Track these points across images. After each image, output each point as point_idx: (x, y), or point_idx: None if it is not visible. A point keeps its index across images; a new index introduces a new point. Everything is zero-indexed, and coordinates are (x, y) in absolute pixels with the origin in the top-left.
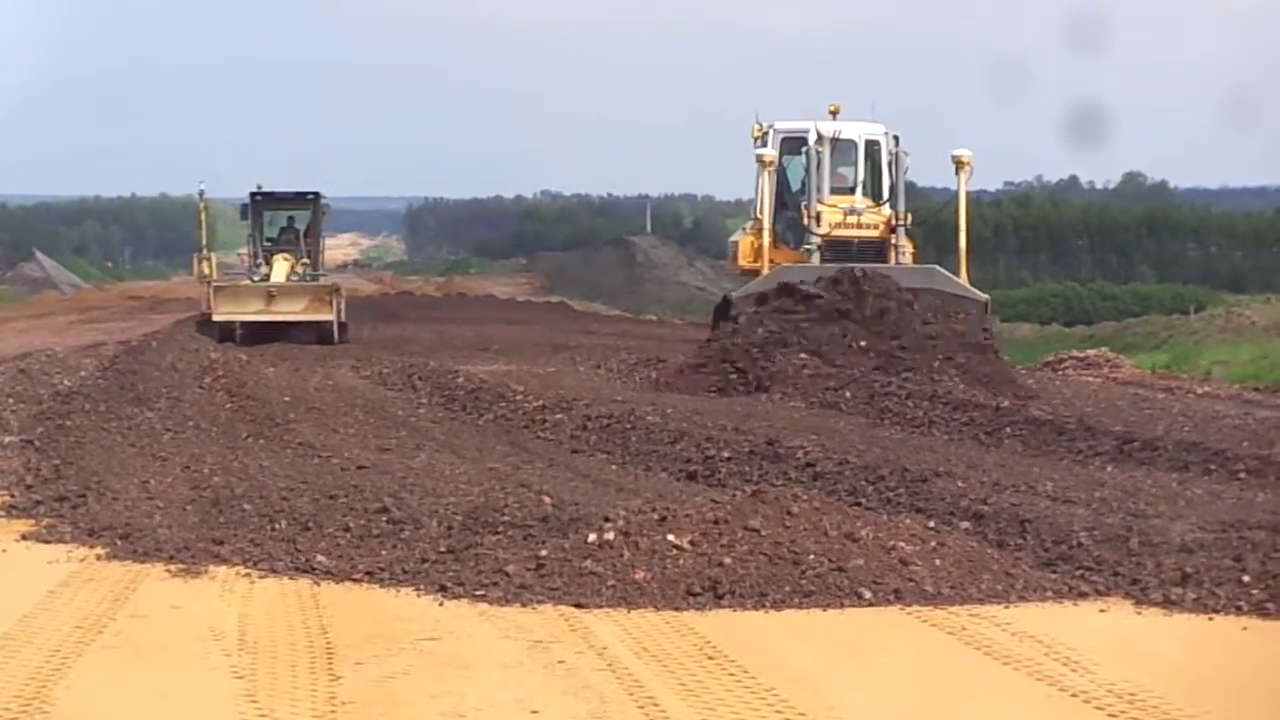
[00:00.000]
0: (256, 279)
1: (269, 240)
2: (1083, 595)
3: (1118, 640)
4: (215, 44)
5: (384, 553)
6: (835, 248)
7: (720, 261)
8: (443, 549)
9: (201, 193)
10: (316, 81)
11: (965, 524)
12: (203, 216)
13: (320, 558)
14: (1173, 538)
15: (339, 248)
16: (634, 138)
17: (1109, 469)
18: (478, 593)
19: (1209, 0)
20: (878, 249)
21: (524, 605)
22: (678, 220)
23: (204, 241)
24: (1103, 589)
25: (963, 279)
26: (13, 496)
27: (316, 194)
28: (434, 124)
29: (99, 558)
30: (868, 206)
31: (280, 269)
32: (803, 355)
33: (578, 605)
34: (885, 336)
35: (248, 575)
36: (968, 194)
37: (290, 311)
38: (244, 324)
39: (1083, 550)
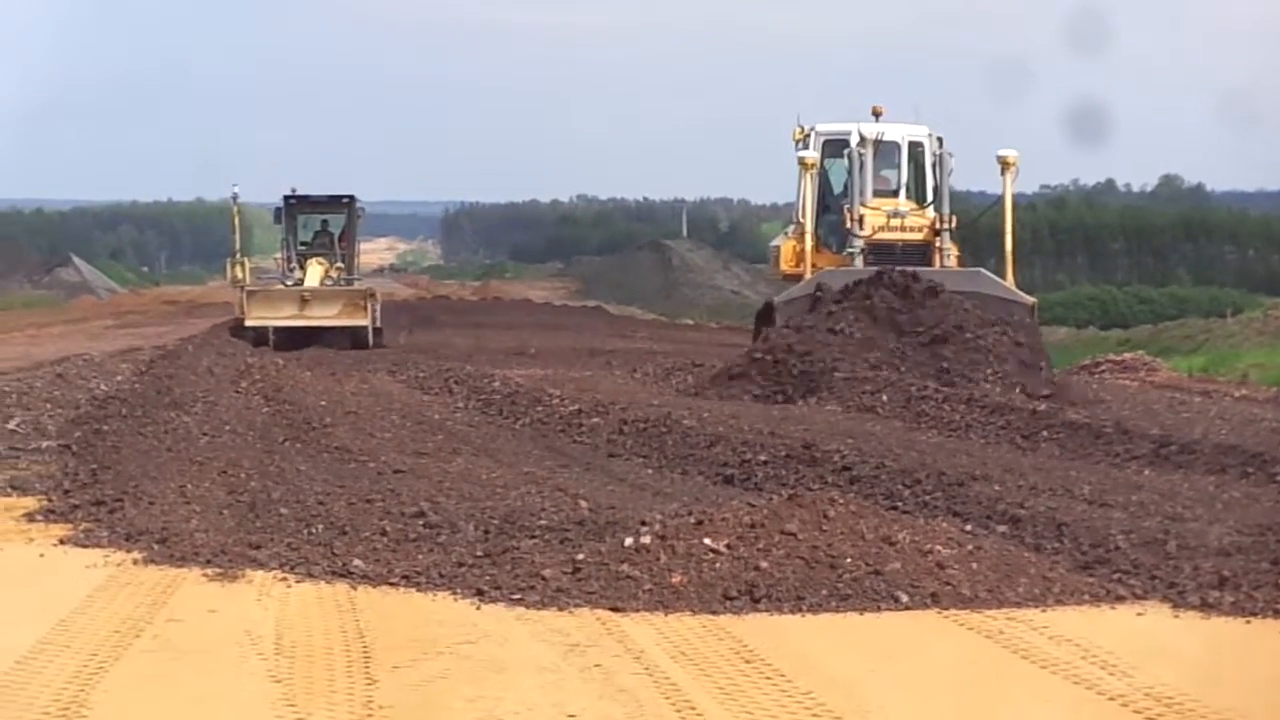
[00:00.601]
0: (290, 283)
1: (303, 244)
2: (1120, 598)
3: (1155, 643)
4: (252, 49)
5: (420, 556)
6: (878, 251)
7: (756, 266)
8: (479, 553)
9: (235, 196)
10: (353, 87)
11: (1002, 527)
12: (236, 220)
13: (357, 561)
14: (1210, 541)
15: (375, 252)
16: (670, 141)
17: (1146, 472)
18: (514, 596)
19: (1247, 3)
20: (922, 252)
21: (560, 609)
22: (713, 224)
23: (237, 246)
24: (1140, 592)
25: (1009, 282)
26: (50, 501)
27: (351, 197)
28: (470, 129)
29: (136, 562)
30: (911, 209)
31: (314, 273)
32: (849, 362)
33: (614, 609)
34: (934, 342)
35: (285, 579)
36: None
37: (324, 316)
38: (277, 329)
39: (1120, 553)
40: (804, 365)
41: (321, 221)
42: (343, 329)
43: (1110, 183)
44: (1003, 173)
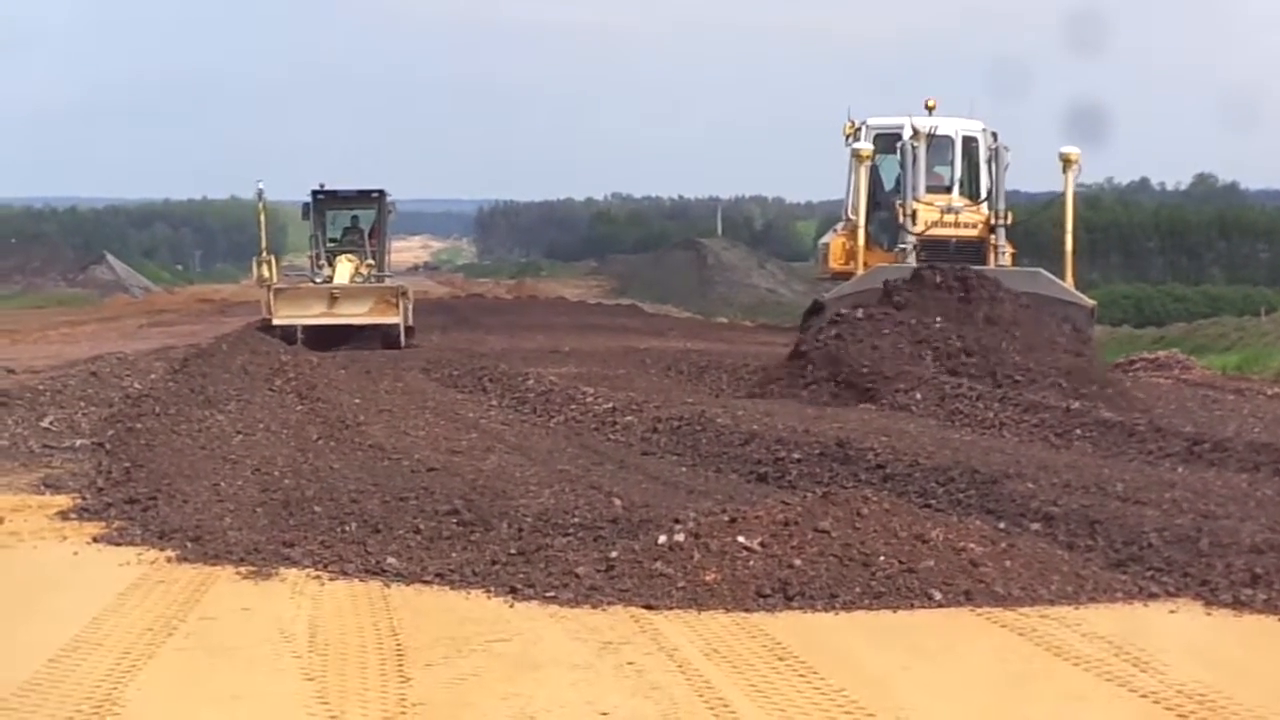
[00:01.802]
0: (319, 281)
1: (332, 241)
2: (1153, 596)
3: (1188, 641)
4: (288, 49)
5: (454, 554)
6: (931, 248)
7: (791, 264)
8: (513, 551)
9: (260, 192)
10: (388, 86)
11: (1035, 525)
12: (261, 217)
13: (390, 559)
14: (1243, 539)
15: (409, 250)
16: (704, 140)
17: (1179, 470)
18: (548, 594)
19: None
20: (976, 249)
21: (594, 607)
22: (749, 222)
23: (263, 243)
24: (1173, 590)
25: (1068, 283)
26: (84, 499)
27: (382, 191)
28: (505, 127)
29: (169, 560)
30: (966, 205)
31: (344, 270)
32: (908, 363)
33: (648, 607)
34: (996, 344)
35: (318, 577)
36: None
37: (354, 315)
38: (306, 328)
39: (1153, 551)
40: (866, 366)
41: (351, 217)
42: (373, 328)
43: (1144, 181)
44: (1064, 170)
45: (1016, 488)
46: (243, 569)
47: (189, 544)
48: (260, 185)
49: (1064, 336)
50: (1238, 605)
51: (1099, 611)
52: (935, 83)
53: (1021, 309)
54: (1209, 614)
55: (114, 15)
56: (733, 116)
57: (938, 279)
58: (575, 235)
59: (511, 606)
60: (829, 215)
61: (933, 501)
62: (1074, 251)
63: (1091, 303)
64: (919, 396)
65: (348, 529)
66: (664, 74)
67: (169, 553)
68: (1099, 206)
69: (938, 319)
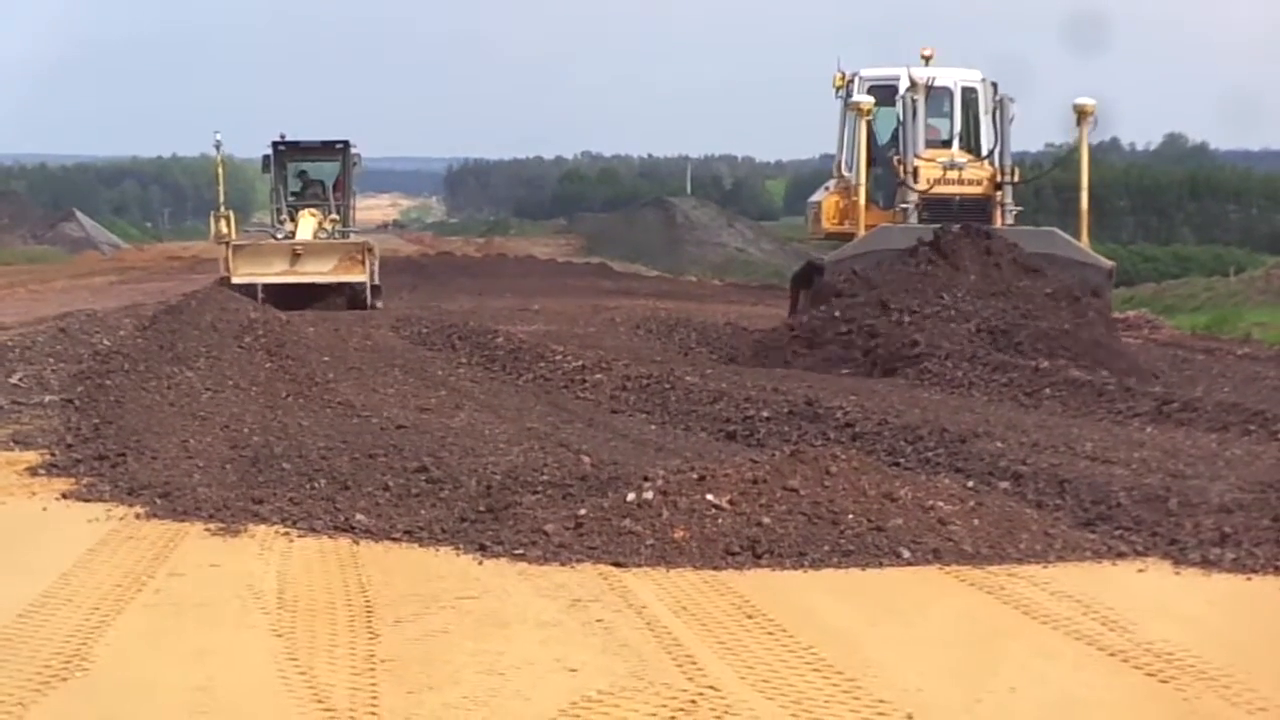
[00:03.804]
0: (280, 237)
1: (294, 195)
2: (1121, 555)
3: (1156, 600)
4: (258, 5)
5: (423, 512)
6: (934, 207)
7: (760, 223)
8: (481, 508)
9: (218, 144)
10: (358, 41)
11: (1004, 484)
12: (220, 170)
13: (359, 516)
14: (1211, 498)
15: (378, 208)
16: (674, 98)
17: (1148, 429)
18: (516, 551)
19: None
20: (981, 207)
21: (563, 564)
22: (718, 182)
23: (221, 197)
24: (1141, 549)
25: (1084, 243)
26: (53, 455)
27: (346, 143)
28: (475, 85)
29: (138, 516)
30: (969, 161)
31: (306, 225)
32: (930, 332)
33: (616, 564)
34: (1013, 310)
35: (287, 534)
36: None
37: (318, 272)
38: (267, 287)
39: (1121, 510)
40: (893, 333)
41: (315, 170)
42: (338, 288)
43: (1114, 141)
44: (1079, 123)
45: (985, 446)
46: (212, 525)
47: (158, 500)
48: (218, 136)
49: (1085, 299)
50: (1206, 564)
51: (1067, 570)
52: (910, 38)
53: (1040, 272)
54: (1177, 573)
55: None
56: (702, 75)
57: (953, 240)
58: (545, 194)
59: (480, 564)
60: (799, 174)
61: (901, 460)
62: (1089, 210)
63: (1110, 264)
64: (975, 375)
65: (316, 486)
66: (634, 32)
67: (138, 509)
68: (1069, 166)
69: (964, 285)
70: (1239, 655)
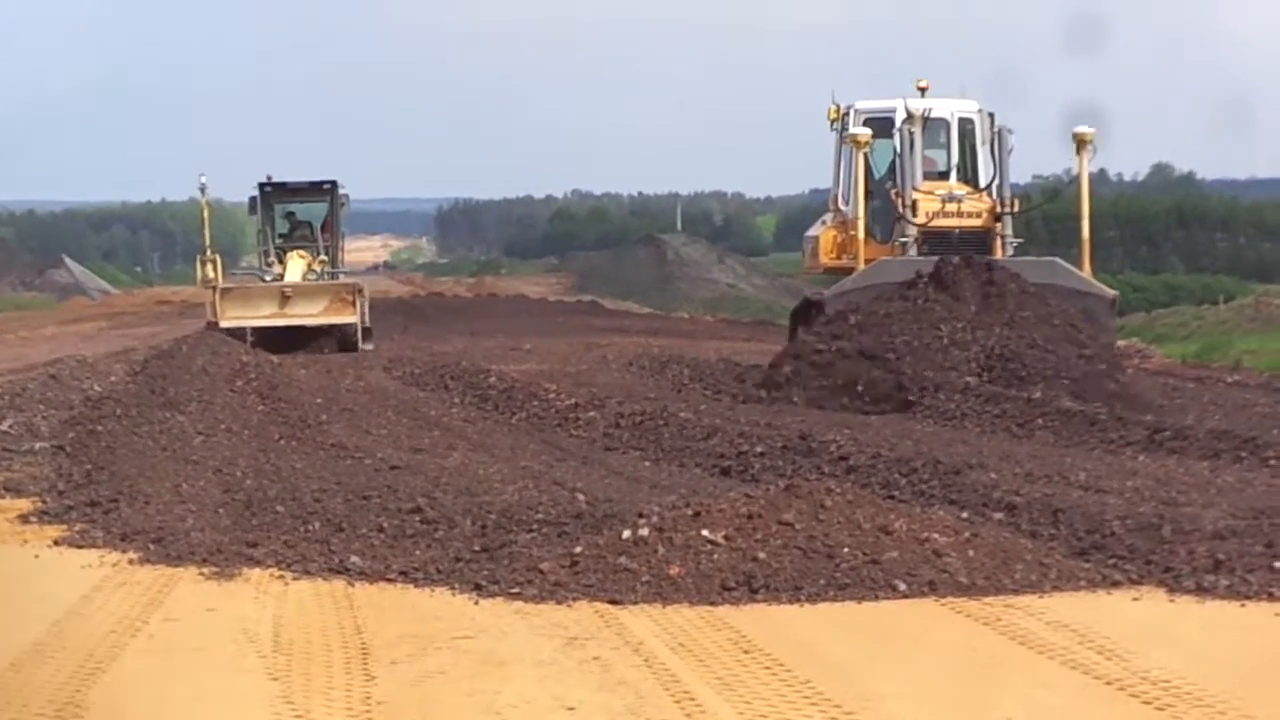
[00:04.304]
0: (269, 279)
1: (281, 236)
2: (1116, 584)
3: (1151, 628)
4: (245, 48)
5: (418, 552)
6: (933, 240)
7: (751, 259)
8: (477, 548)
9: (203, 188)
10: (348, 84)
11: (998, 515)
12: (205, 214)
13: (354, 558)
14: (1204, 525)
15: (369, 249)
16: (664, 136)
17: (1141, 458)
18: (512, 590)
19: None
20: (981, 240)
21: (559, 602)
22: (708, 218)
23: (207, 241)
24: (1136, 577)
25: (1086, 273)
26: (45, 502)
27: (334, 183)
28: (464, 125)
29: (132, 562)
30: (968, 193)
31: (295, 267)
32: (938, 366)
33: (613, 601)
34: (1019, 342)
35: (281, 577)
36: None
37: (307, 314)
38: (255, 330)
39: (1115, 539)
40: (904, 372)
41: (302, 211)
42: (328, 330)
43: (1102, 172)
44: (1078, 151)
45: (979, 478)
46: (206, 570)
47: (151, 545)
48: (203, 179)
49: (1088, 330)
50: (1200, 591)
51: (1063, 600)
52: (895, 71)
53: (1045, 303)
54: (1172, 601)
55: (69, 16)
56: (692, 112)
57: (955, 272)
58: (535, 233)
59: (476, 603)
60: (789, 209)
61: (896, 493)
62: (1092, 239)
63: (1112, 293)
64: (968, 406)
65: (311, 528)
66: (623, 70)
67: (131, 554)
68: (1058, 198)
69: (965, 317)
70: (1235, 682)
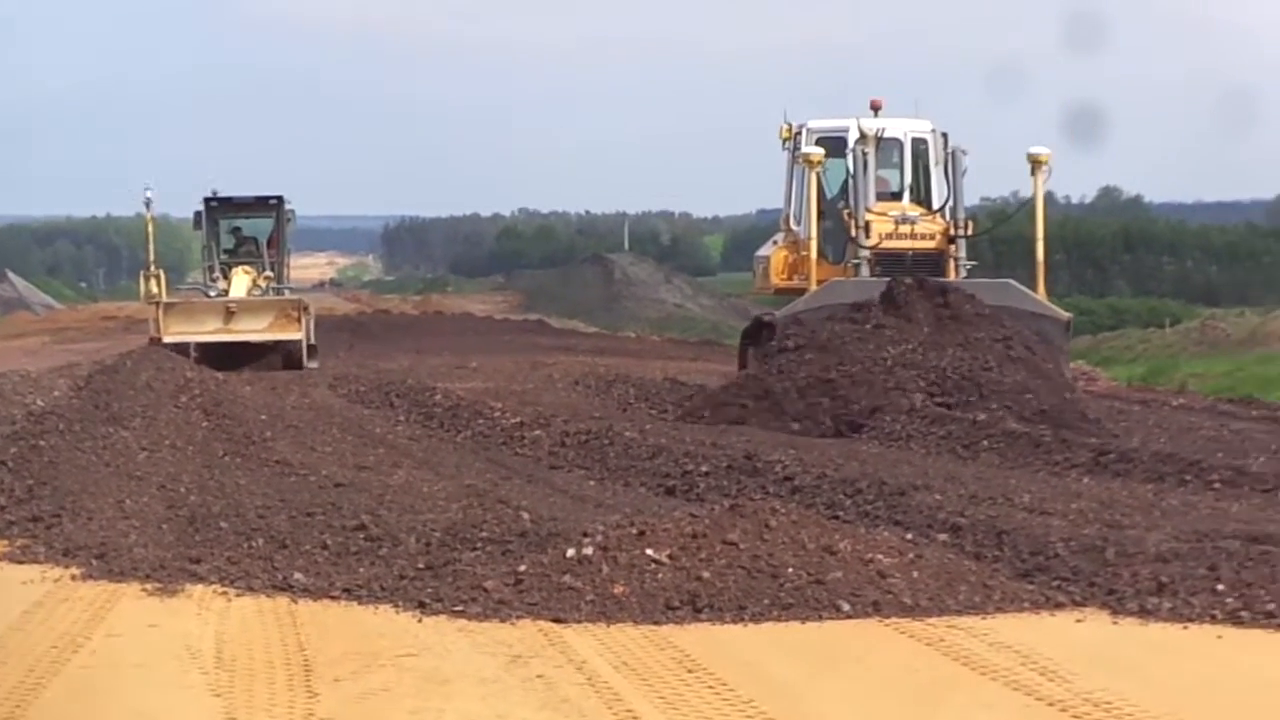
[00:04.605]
0: (213, 295)
1: (227, 252)
2: (1059, 605)
3: (1094, 649)
4: (190, 63)
5: (362, 570)
6: (886, 262)
7: (699, 278)
8: (421, 565)
9: (148, 202)
10: (294, 101)
11: (943, 536)
12: (149, 229)
13: (298, 575)
14: (1148, 548)
15: (315, 267)
16: (611, 155)
17: (1085, 480)
18: (456, 608)
19: (1183, 16)
20: (934, 262)
21: (503, 620)
22: (655, 237)
23: (151, 256)
24: (1079, 599)
25: (1040, 294)
26: None
27: (280, 198)
28: (411, 143)
29: (74, 578)
30: (921, 214)
31: (240, 283)
32: (893, 387)
33: (556, 620)
34: (973, 364)
35: (225, 593)
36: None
37: (252, 330)
38: (200, 346)
39: (1059, 561)
40: (854, 395)
41: (247, 226)
42: (273, 346)
43: (1049, 195)
44: (1033, 172)
45: (924, 499)
46: (149, 586)
47: (94, 561)
48: (148, 194)
49: (1041, 353)
50: (1144, 614)
51: (1006, 621)
52: (845, 91)
53: (1000, 325)
54: (1115, 623)
55: (10, 28)
56: (639, 131)
57: (912, 294)
58: (482, 251)
59: (420, 621)
60: (736, 229)
61: (840, 513)
62: (1046, 261)
63: (1067, 315)
64: (914, 428)
65: (254, 545)
66: (571, 89)
67: (74, 570)
68: (1000, 219)
69: (917, 339)
70: (1177, 704)
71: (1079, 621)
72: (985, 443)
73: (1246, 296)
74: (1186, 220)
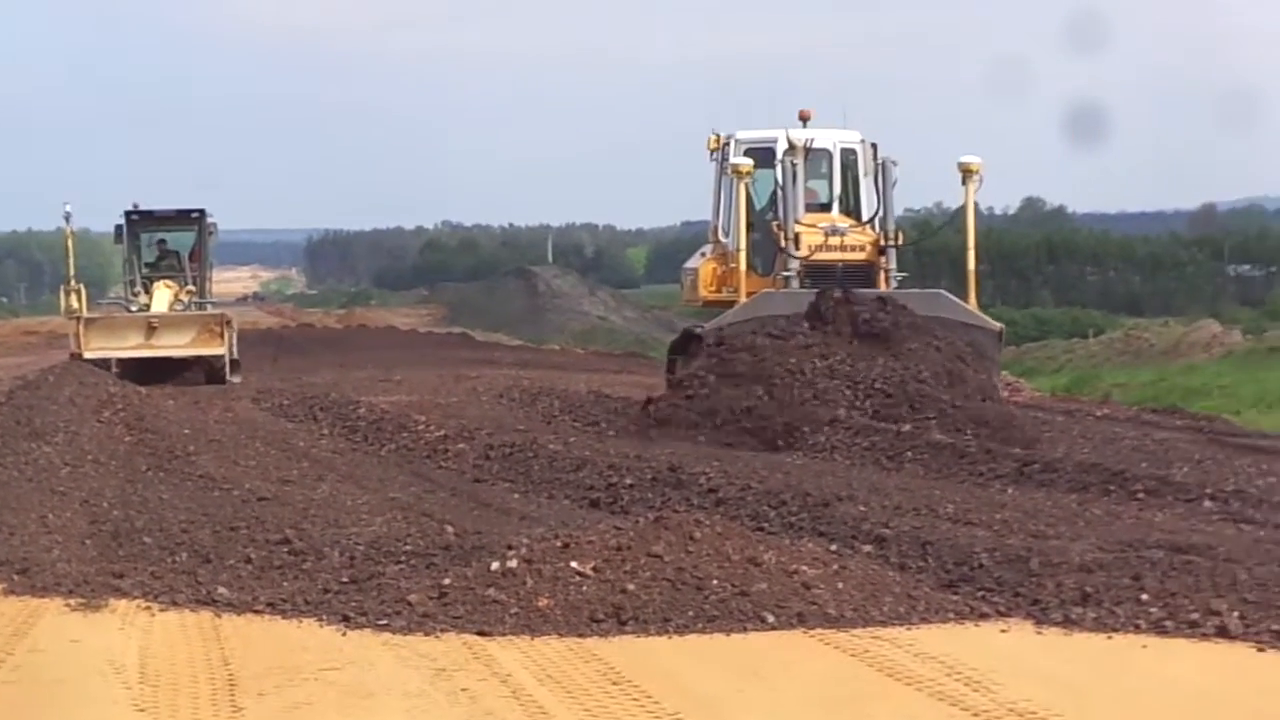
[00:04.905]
0: (134, 309)
1: (148, 266)
2: (984, 616)
3: (1019, 660)
4: (112, 75)
5: (286, 584)
6: (816, 274)
7: (623, 291)
8: (345, 579)
9: (68, 216)
10: (218, 114)
11: (867, 547)
12: (69, 243)
13: (221, 589)
14: (1072, 558)
15: (239, 280)
16: (535, 168)
17: (1009, 491)
18: (380, 622)
19: (1106, 28)
20: (865, 274)
21: (427, 634)
22: (579, 250)
23: (71, 271)
24: (1004, 609)
25: (971, 305)
26: None
27: (202, 211)
28: (335, 156)
29: None
30: (851, 226)
31: (162, 297)
32: (833, 408)
33: (481, 633)
34: (905, 374)
35: (148, 608)
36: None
37: (174, 345)
38: (121, 361)
39: (984, 571)
40: (783, 411)
41: (170, 239)
42: (196, 361)
43: (974, 205)
44: (964, 182)
45: (848, 510)
46: (72, 601)
47: (16, 576)
48: (68, 208)
49: (972, 363)
50: (1068, 624)
51: (931, 632)
52: (769, 102)
53: (932, 335)
54: (1040, 633)
55: None
56: (562, 144)
57: (841, 306)
58: (405, 264)
59: (344, 635)
60: (659, 241)
61: (765, 525)
62: (976, 271)
63: (998, 325)
64: (838, 439)
65: (178, 559)
66: (495, 102)
67: None
68: (929, 231)
69: (846, 351)
70: (1101, 714)
71: (1003, 632)
72: (910, 454)
73: (1170, 306)
74: (1110, 231)
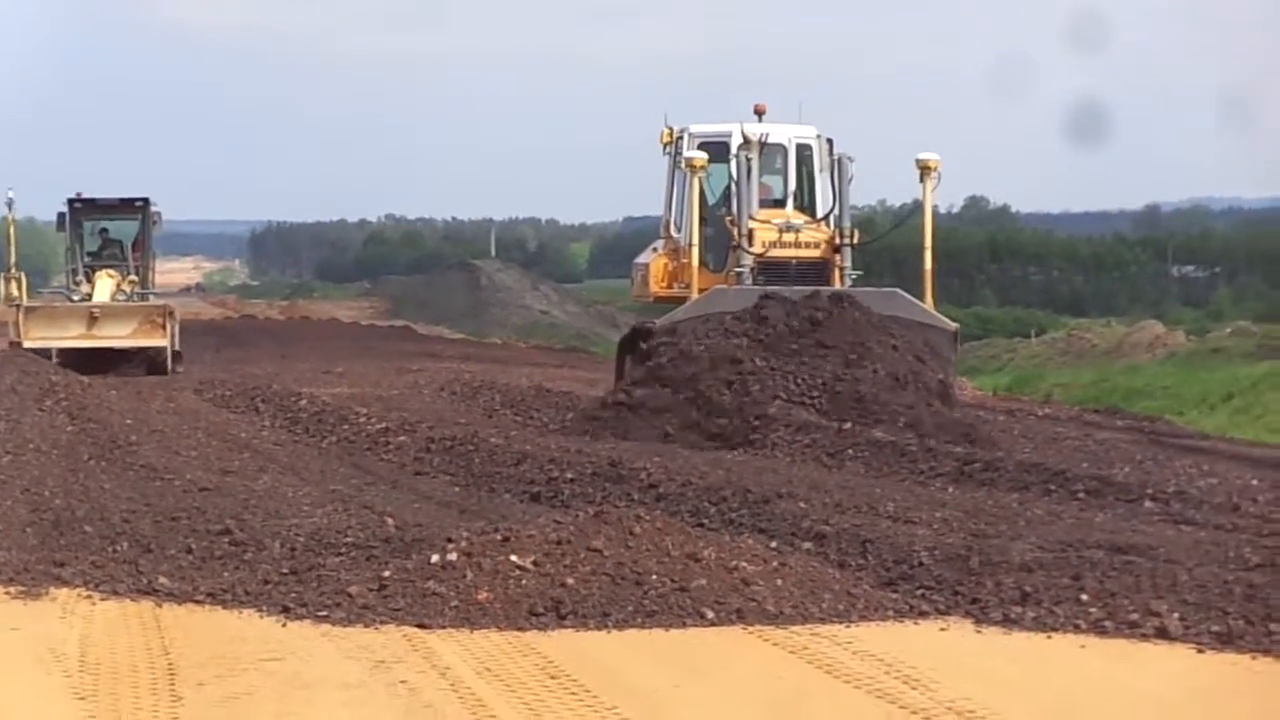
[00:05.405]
0: (76, 299)
1: (90, 255)
2: (923, 614)
3: (958, 658)
4: (58, 65)
5: (226, 574)
6: (770, 271)
7: (564, 285)
8: (285, 570)
9: (10, 203)
10: (163, 105)
11: (807, 544)
12: (10, 231)
13: (162, 579)
14: (1012, 557)
15: (181, 271)
16: (478, 162)
17: (950, 489)
18: (320, 613)
19: (1051, 27)
20: (819, 271)
21: (366, 626)
22: (522, 244)
23: (12, 259)
24: (943, 608)
25: (928, 304)
26: None
27: (145, 200)
28: (279, 148)
29: None
30: (805, 223)
31: (104, 287)
32: (784, 407)
33: (420, 626)
34: (863, 375)
35: (89, 597)
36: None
37: (116, 336)
38: (62, 351)
39: (923, 570)
40: (732, 408)
41: (113, 228)
42: (137, 352)
43: (917, 203)
44: (921, 179)
45: (788, 507)
46: (12, 589)
47: None
48: (10, 194)
49: (928, 363)
50: (1007, 623)
51: (870, 629)
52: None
53: (889, 335)
54: (979, 631)
55: None
56: (506, 138)
57: (795, 304)
58: (348, 256)
59: (284, 626)
60: (603, 236)
61: (705, 521)
62: (934, 270)
63: (954, 325)
64: (779, 436)
65: (119, 549)
66: (437, 95)
67: None
68: (871, 228)
69: (797, 348)
70: (1039, 713)
71: (943, 630)
72: (850, 451)
73: (1113, 307)
74: (1054, 230)
